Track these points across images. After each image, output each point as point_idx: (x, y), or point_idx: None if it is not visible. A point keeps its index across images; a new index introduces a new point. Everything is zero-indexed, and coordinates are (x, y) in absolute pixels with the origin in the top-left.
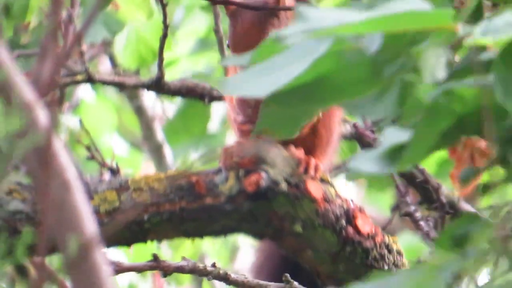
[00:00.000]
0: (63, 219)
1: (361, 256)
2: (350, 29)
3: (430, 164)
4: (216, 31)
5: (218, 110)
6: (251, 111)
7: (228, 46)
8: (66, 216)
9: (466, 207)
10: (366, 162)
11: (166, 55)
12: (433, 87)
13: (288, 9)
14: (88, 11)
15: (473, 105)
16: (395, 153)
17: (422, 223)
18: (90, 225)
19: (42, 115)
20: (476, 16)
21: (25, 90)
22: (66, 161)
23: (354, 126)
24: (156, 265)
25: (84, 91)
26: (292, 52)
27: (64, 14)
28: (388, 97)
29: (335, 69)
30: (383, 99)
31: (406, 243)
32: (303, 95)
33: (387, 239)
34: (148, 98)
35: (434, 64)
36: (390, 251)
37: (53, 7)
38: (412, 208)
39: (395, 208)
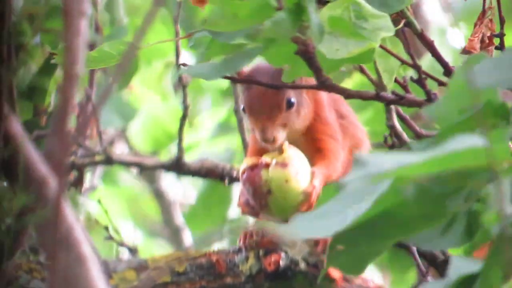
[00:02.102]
0: None
1: None
2: (410, 171)
3: None
4: (236, 111)
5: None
6: (252, 197)
7: (243, 110)
8: None
9: None
10: None
11: (187, 138)
12: (499, 217)
13: (308, 87)
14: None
15: None
16: (464, 285)
17: None
18: None
19: (53, 190)
20: None
21: (38, 165)
22: (80, 235)
23: None
24: None
25: (96, 179)
26: (353, 192)
27: (80, 93)
28: (456, 229)
29: (398, 204)
30: (451, 231)
31: None
32: (368, 233)
33: None
34: (167, 181)
35: (503, 196)
36: None
37: (65, 83)
38: None
39: (416, 287)
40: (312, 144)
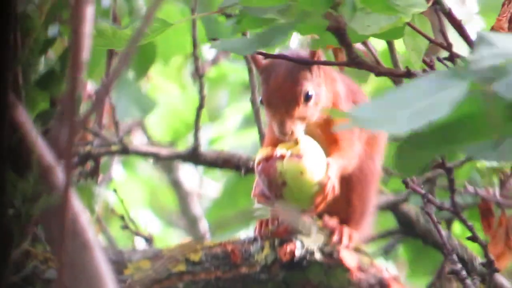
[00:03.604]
0: (83, 279)
1: None
2: None
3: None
4: (252, 101)
5: None
6: (267, 189)
7: (261, 102)
8: (86, 276)
9: (502, 280)
10: None
11: (212, 131)
12: None
13: (338, 64)
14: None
15: None
16: None
17: (468, 281)
18: (110, 286)
19: (60, 177)
20: None
21: (44, 152)
22: (86, 221)
23: (404, 182)
24: None
25: (114, 169)
26: (420, 86)
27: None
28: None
29: (475, 112)
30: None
31: None
32: (441, 137)
33: None
34: (185, 171)
35: None
36: None
37: (72, 71)
38: (459, 266)
39: (431, 286)
40: (328, 135)
